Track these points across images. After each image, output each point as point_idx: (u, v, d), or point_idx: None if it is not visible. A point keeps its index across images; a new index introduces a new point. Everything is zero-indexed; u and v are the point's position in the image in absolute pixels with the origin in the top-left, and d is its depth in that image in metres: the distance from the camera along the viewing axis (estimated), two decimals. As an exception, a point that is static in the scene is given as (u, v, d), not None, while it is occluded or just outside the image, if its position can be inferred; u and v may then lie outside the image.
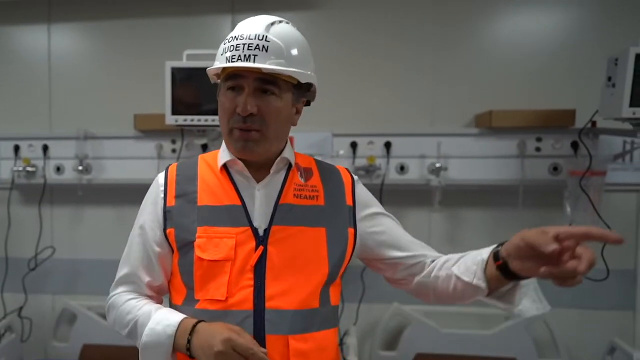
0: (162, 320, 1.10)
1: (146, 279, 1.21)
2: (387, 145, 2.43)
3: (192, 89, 2.27)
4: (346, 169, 1.31)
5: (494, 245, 1.09)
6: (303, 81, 1.14)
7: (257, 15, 1.16)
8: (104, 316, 2.67)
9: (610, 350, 2.32)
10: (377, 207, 1.29)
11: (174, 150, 2.56)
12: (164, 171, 1.25)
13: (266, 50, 1.08)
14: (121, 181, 2.59)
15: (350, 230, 1.21)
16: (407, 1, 2.49)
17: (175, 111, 2.26)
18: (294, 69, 1.10)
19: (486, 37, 2.47)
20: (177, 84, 2.25)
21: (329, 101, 2.48)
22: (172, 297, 1.23)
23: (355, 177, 1.29)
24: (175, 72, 2.25)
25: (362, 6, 2.52)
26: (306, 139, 2.43)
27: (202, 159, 1.26)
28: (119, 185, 2.61)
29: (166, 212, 1.18)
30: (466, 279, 1.12)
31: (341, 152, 2.45)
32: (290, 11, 2.56)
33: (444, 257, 1.23)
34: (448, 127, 2.46)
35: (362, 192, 1.28)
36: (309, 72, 1.15)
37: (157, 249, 1.19)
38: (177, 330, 1.08)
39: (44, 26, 2.75)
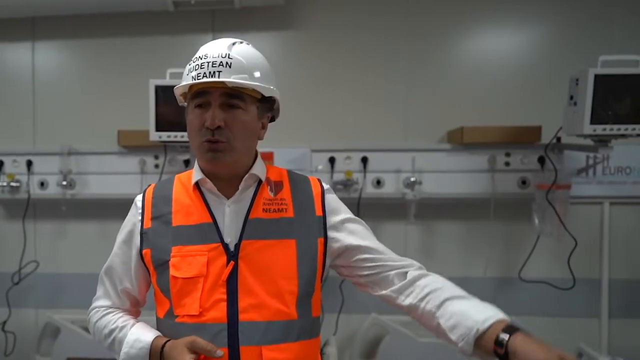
0: (135, 342, 1.19)
1: (124, 284, 1.29)
2: (364, 160, 2.51)
3: (175, 106, 2.27)
4: (318, 179, 1.31)
5: (492, 317, 1.05)
6: (266, 95, 1.20)
7: (235, 35, 1.25)
8: (87, 330, 2.67)
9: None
10: (347, 214, 1.29)
11: (156, 166, 2.61)
12: (142, 194, 1.30)
13: (230, 67, 1.15)
14: (104, 196, 2.63)
15: (320, 240, 1.23)
16: (382, 22, 2.59)
17: (159, 128, 2.31)
18: (256, 83, 1.17)
19: (457, 58, 2.58)
20: (161, 102, 2.30)
21: (307, 118, 2.57)
22: (156, 311, 1.28)
23: (326, 187, 1.30)
24: (159, 90, 2.30)
25: (339, 26, 2.62)
26: (285, 154, 2.51)
27: (178, 179, 1.31)
28: (103, 200, 2.65)
29: (143, 234, 1.24)
30: (453, 337, 1.08)
31: (320, 167, 2.52)
32: (268, 31, 2.65)
33: (423, 283, 1.19)
34: (422, 142, 2.55)
35: (332, 201, 1.29)
36: (271, 87, 1.22)
37: (132, 265, 1.27)
38: (150, 353, 1.18)
39: (29, 44, 2.79)
